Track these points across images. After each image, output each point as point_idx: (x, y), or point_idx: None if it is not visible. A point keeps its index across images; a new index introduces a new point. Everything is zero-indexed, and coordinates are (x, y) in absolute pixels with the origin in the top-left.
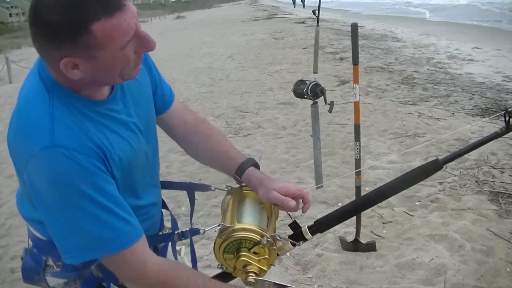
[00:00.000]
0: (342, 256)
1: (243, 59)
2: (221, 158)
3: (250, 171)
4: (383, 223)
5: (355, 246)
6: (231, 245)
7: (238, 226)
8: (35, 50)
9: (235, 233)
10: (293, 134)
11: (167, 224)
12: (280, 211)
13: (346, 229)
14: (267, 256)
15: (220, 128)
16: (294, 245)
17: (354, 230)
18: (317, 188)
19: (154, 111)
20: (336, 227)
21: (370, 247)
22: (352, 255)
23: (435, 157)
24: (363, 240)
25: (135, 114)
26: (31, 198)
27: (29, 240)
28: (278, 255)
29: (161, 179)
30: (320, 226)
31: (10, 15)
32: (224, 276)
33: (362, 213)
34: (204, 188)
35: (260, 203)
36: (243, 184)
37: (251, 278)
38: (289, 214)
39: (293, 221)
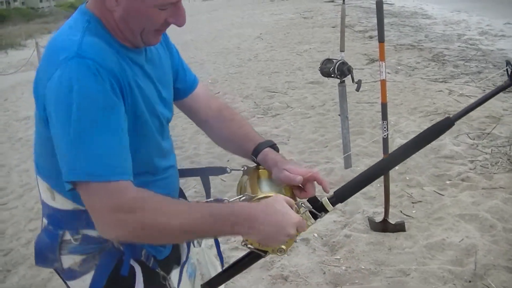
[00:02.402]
0: (371, 237)
1: (272, 39)
2: (241, 140)
3: (266, 151)
4: (413, 202)
5: (384, 226)
6: None
7: (261, 194)
8: None
9: (260, 201)
10: (321, 113)
11: None
12: None
13: (375, 209)
14: None
15: (249, 109)
16: (315, 217)
17: (383, 210)
18: (346, 168)
19: (172, 91)
20: (365, 207)
21: (399, 228)
22: (380, 235)
23: (466, 134)
24: (392, 220)
25: (160, 79)
26: (46, 116)
27: (43, 219)
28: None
29: (189, 161)
30: (340, 195)
31: (41, 0)
32: (252, 256)
33: (391, 192)
34: (220, 171)
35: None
36: (260, 167)
37: (283, 245)
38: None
39: (313, 196)
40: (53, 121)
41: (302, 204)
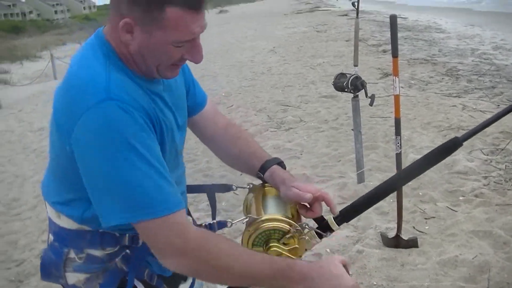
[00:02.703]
0: (383, 253)
1: (285, 53)
2: (247, 157)
3: (273, 169)
4: (426, 218)
5: (397, 242)
6: (260, 237)
7: (265, 216)
8: (79, 47)
9: (263, 224)
10: (335, 127)
11: None
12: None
13: (387, 224)
14: (297, 246)
15: (262, 123)
16: (320, 236)
17: (396, 225)
18: (359, 183)
19: (186, 113)
20: (378, 223)
21: (412, 244)
22: (393, 251)
23: (479, 150)
24: (404, 236)
25: (176, 105)
26: (72, 151)
27: (50, 235)
28: (305, 249)
29: (202, 174)
30: (346, 215)
31: (56, 12)
32: None
33: (403, 208)
34: (225, 188)
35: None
36: (266, 184)
37: None
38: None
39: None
40: (87, 163)
41: (306, 225)
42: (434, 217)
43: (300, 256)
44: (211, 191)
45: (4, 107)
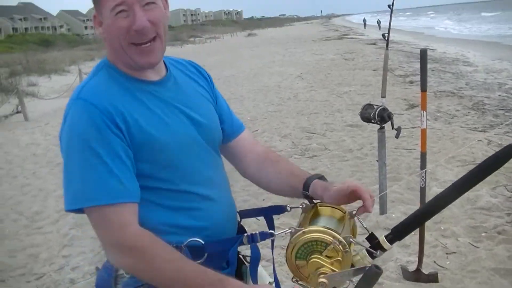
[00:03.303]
0: (403, 286)
1: (312, 79)
2: (289, 179)
3: (316, 183)
4: (447, 253)
5: (417, 276)
6: (303, 250)
7: (308, 228)
8: None
9: (305, 235)
10: (359, 157)
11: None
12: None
13: (408, 258)
14: (340, 259)
15: (286, 149)
16: (372, 255)
17: (417, 259)
18: (381, 214)
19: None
20: (398, 255)
21: (432, 278)
22: (413, 285)
23: (504, 186)
24: (425, 270)
25: (187, 104)
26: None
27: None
28: (353, 265)
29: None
30: (397, 233)
31: (86, 27)
32: None
33: (425, 242)
34: (279, 210)
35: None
36: (317, 201)
37: (322, 279)
38: (365, 227)
39: (370, 233)
40: (62, 155)
41: (352, 239)
42: (455, 252)
43: None
44: (267, 214)
45: (31, 120)
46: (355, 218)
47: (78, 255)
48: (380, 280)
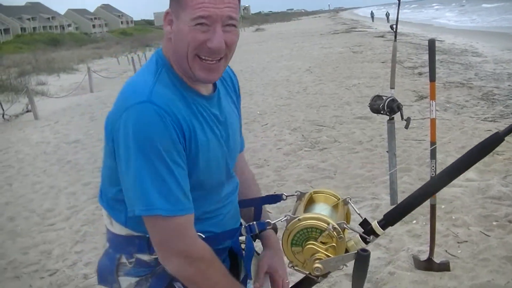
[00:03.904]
0: (415, 275)
1: (321, 73)
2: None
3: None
4: (458, 242)
5: (428, 265)
6: (298, 236)
7: (303, 215)
8: (115, 61)
9: (300, 222)
10: (369, 149)
11: None
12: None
13: (419, 247)
14: (334, 245)
15: (296, 142)
16: (365, 240)
17: (428, 248)
18: (392, 205)
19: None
20: (410, 245)
21: (444, 267)
22: (424, 274)
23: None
24: (436, 259)
25: (225, 124)
26: (114, 147)
27: (106, 242)
28: (347, 251)
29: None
30: (390, 218)
31: (94, 26)
32: (307, 283)
33: (436, 231)
34: (276, 199)
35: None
36: (314, 190)
37: (317, 264)
38: (358, 213)
39: (364, 219)
40: (120, 157)
41: (345, 225)
42: (466, 241)
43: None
44: (262, 203)
45: (41, 118)
46: (349, 204)
47: (91, 250)
48: (392, 269)
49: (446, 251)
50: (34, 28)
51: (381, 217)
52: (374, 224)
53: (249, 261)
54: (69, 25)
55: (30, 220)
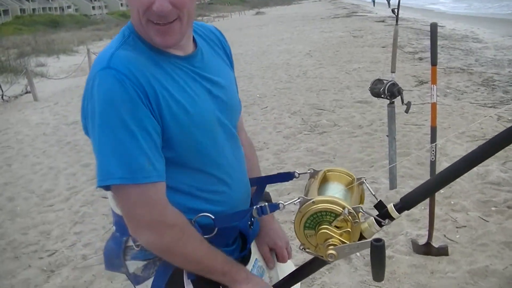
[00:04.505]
0: (413, 259)
1: (321, 57)
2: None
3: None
4: (457, 227)
5: (427, 249)
6: (312, 219)
7: (318, 198)
8: None
9: (315, 205)
10: (368, 133)
11: None
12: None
13: (418, 232)
14: (349, 229)
15: (296, 125)
16: (380, 224)
17: (427, 233)
18: (391, 189)
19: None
20: (409, 229)
21: (442, 252)
22: (423, 258)
23: None
24: (435, 244)
25: (212, 80)
26: (86, 125)
27: (113, 226)
28: (363, 235)
29: None
30: (406, 202)
31: (93, 8)
32: (317, 262)
33: (435, 216)
34: (288, 177)
35: (344, 186)
36: (328, 168)
37: (331, 250)
38: (374, 195)
39: (379, 201)
40: (90, 128)
41: (361, 209)
42: (465, 226)
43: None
44: (272, 182)
45: (40, 100)
46: (363, 185)
47: (90, 231)
48: (390, 253)
49: (444, 235)
50: (34, 10)
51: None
52: (390, 207)
53: (252, 241)
54: (68, 7)
55: (30, 201)
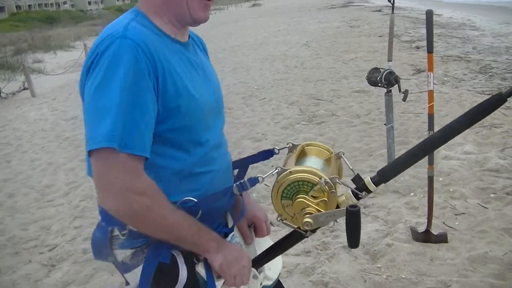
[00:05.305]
0: (412, 247)
1: (318, 47)
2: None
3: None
4: (456, 214)
5: (426, 237)
6: (289, 189)
7: (295, 168)
8: None
9: (292, 175)
10: (366, 122)
11: None
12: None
13: (417, 219)
14: (325, 199)
15: (294, 116)
16: (357, 196)
17: (426, 220)
18: None
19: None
20: (408, 217)
21: (442, 239)
22: (422, 246)
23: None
24: (434, 231)
25: (205, 69)
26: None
27: (99, 216)
28: (338, 206)
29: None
30: (383, 175)
31: (89, 3)
32: (294, 236)
33: (434, 203)
34: (269, 154)
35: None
36: (306, 142)
37: (307, 218)
38: (351, 169)
39: (356, 174)
40: (87, 92)
41: (338, 180)
42: (464, 213)
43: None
44: (255, 161)
45: (38, 96)
46: (342, 159)
47: (90, 225)
48: (389, 241)
49: (443, 223)
50: (30, 6)
51: (379, 189)
52: (367, 180)
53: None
54: (64, 3)
55: (29, 196)
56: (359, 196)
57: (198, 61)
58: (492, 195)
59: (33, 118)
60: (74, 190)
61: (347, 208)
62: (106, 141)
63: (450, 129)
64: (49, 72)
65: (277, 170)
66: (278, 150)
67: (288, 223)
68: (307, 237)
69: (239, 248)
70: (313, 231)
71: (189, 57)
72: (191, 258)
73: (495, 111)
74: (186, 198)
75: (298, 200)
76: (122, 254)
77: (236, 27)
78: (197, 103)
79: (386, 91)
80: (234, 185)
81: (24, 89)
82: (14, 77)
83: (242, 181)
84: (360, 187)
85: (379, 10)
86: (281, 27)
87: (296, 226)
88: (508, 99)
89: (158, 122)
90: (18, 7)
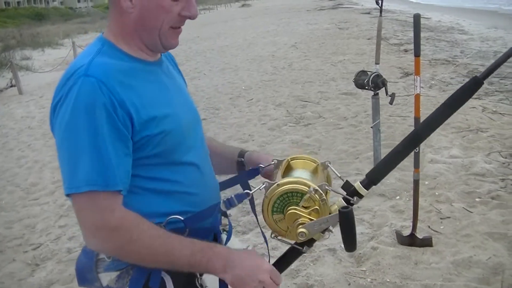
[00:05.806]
0: (397, 250)
1: (307, 48)
2: (224, 150)
3: (252, 152)
4: (441, 218)
5: (411, 240)
6: (279, 203)
7: (282, 180)
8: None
9: (280, 188)
10: (353, 125)
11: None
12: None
13: (403, 223)
14: (317, 207)
15: (281, 117)
16: (349, 202)
17: (411, 224)
18: None
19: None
20: (393, 221)
21: (427, 242)
22: (407, 249)
23: (498, 152)
24: (419, 235)
25: (178, 86)
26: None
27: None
28: (330, 213)
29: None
30: (372, 177)
31: (79, 1)
32: (292, 253)
33: (419, 207)
34: (254, 172)
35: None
36: (292, 156)
37: (301, 229)
38: (340, 176)
39: (345, 181)
40: (56, 132)
41: (327, 186)
42: (449, 217)
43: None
44: (243, 180)
45: (25, 93)
46: (328, 168)
47: (75, 225)
48: (374, 244)
49: (429, 226)
50: (19, 3)
51: (364, 192)
52: (357, 185)
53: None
54: (53, 0)
55: (14, 194)
56: (351, 202)
57: (172, 79)
58: (477, 199)
59: (20, 116)
60: (60, 189)
61: (339, 210)
62: (75, 188)
63: (433, 119)
64: (37, 70)
65: (264, 185)
66: (264, 167)
67: (283, 239)
68: (304, 252)
69: (254, 254)
70: (310, 245)
71: (161, 77)
72: (181, 279)
73: (482, 115)
74: (172, 217)
75: (289, 212)
76: (107, 277)
77: (225, 27)
78: (175, 123)
79: (373, 94)
80: (222, 201)
81: (11, 86)
82: (2, 74)
83: (229, 197)
84: (351, 193)
85: (368, 13)
86: (270, 28)
87: (292, 242)
88: (484, 82)
89: (137, 149)
90: (6, 3)
